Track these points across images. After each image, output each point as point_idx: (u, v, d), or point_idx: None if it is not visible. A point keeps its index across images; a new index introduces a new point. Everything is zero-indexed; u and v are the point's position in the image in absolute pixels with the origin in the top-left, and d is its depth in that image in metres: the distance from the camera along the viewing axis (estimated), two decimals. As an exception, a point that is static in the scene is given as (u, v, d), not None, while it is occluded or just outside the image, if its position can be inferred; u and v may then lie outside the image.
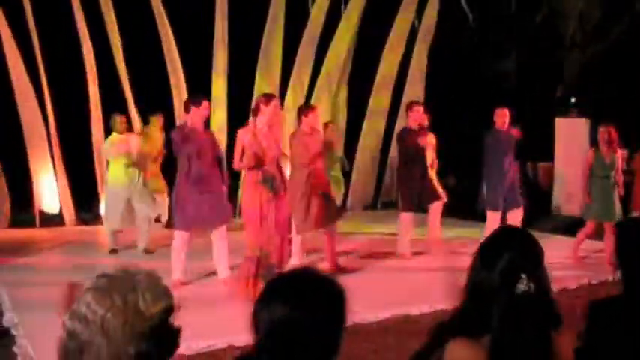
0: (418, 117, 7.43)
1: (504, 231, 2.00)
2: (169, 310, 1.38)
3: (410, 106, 7.68)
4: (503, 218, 7.68)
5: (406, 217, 7.46)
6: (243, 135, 5.77)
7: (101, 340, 1.29)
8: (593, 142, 7.85)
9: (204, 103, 6.15)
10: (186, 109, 6.14)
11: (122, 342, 1.30)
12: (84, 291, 1.36)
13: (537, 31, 13.20)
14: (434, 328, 1.98)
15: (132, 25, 9.65)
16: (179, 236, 6.07)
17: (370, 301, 5.01)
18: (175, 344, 1.40)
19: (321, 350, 1.46)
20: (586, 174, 7.31)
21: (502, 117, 7.61)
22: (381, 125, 11.59)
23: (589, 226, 7.32)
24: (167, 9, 9.85)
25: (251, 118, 5.88)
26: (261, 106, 5.75)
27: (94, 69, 9.53)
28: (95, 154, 9.54)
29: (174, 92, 10.02)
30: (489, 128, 7.76)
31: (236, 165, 5.89)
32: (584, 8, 12.99)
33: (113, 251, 7.59)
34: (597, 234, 7.31)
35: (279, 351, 1.44)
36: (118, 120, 7.77)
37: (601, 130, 7.37)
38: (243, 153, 5.75)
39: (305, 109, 6.98)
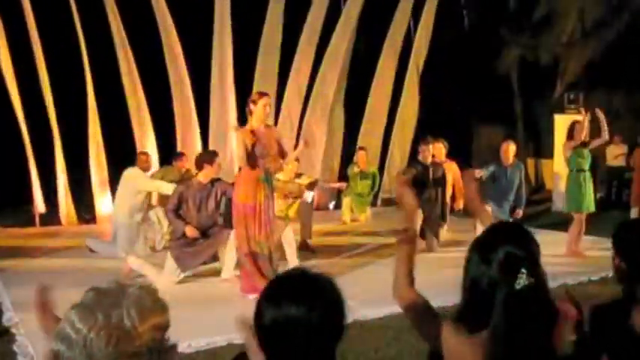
0: None
1: (500, 225, 1.97)
2: (161, 326, 1.25)
3: None
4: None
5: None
6: (243, 135, 5.77)
7: None
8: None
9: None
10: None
11: None
12: (70, 308, 1.23)
13: (537, 27, 13.18)
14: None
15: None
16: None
17: (371, 297, 4.99)
18: None
19: (323, 349, 1.46)
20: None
21: (506, 152, 7.85)
22: (382, 123, 11.58)
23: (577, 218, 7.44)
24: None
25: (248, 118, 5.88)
26: (251, 105, 5.79)
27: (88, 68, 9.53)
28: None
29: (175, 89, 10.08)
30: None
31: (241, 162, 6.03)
32: (583, 5, 12.97)
33: None
34: (599, 230, 7.30)
35: (282, 351, 1.43)
36: None
37: (576, 125, 7.43)
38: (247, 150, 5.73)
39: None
